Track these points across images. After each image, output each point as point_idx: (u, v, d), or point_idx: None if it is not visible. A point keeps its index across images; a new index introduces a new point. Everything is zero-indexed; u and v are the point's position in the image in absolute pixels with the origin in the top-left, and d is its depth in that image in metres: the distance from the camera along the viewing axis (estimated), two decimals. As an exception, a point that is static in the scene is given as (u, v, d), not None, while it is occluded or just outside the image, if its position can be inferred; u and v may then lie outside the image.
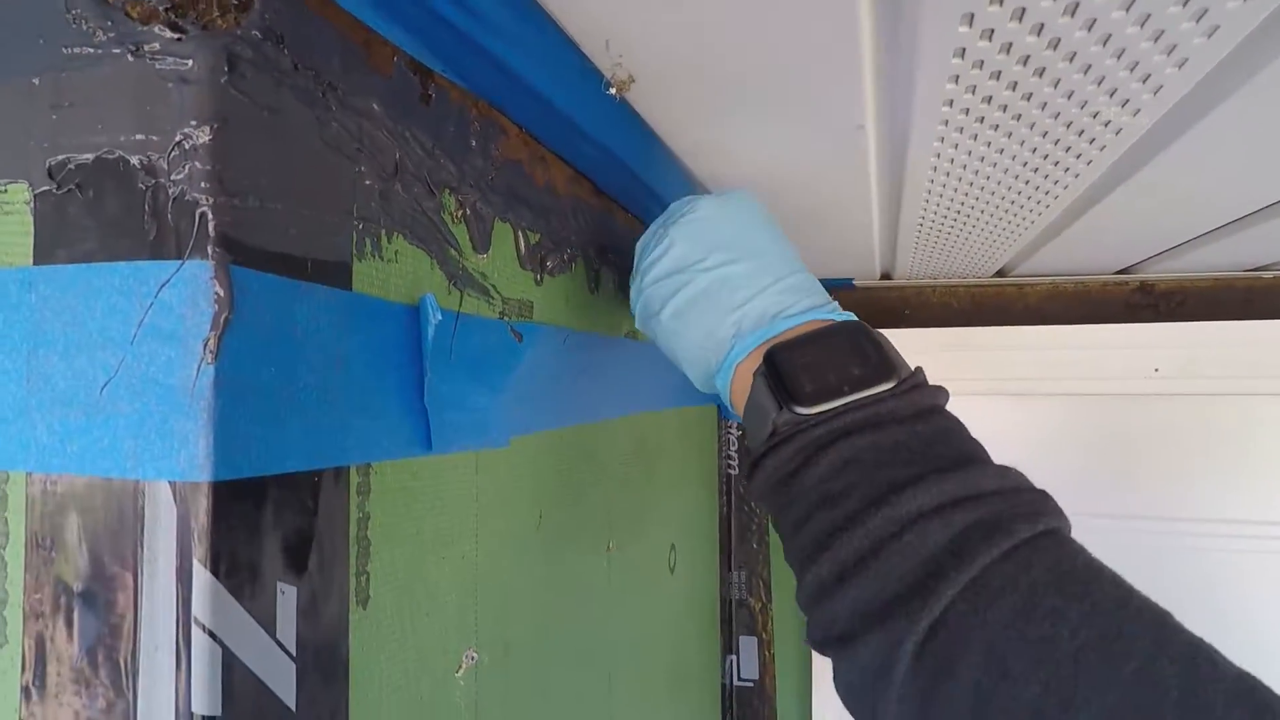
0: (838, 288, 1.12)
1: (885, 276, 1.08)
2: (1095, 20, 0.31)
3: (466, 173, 0.40)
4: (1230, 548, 0.97)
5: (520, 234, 0.46)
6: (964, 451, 0.35)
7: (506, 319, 0.44)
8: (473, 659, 0.40)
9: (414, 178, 0.35)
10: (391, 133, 0.34)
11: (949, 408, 0.38)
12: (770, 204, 0.68)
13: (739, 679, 1.16)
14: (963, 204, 0.62)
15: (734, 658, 1.16)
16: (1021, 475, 0.35)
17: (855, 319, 0.41)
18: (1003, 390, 1.05)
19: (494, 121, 0.43)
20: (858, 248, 0.85)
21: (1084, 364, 1.01)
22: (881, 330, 1.16)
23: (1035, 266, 0.98)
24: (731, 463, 1.17)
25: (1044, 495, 0.34)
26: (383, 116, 0.33)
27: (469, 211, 0.40)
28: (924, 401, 0.36)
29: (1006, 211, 0.65)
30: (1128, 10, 0.30)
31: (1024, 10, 0.30)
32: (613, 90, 0.39)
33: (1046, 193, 0.58)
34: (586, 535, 0.57)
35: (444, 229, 0.38)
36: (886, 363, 0.37)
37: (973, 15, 0.30)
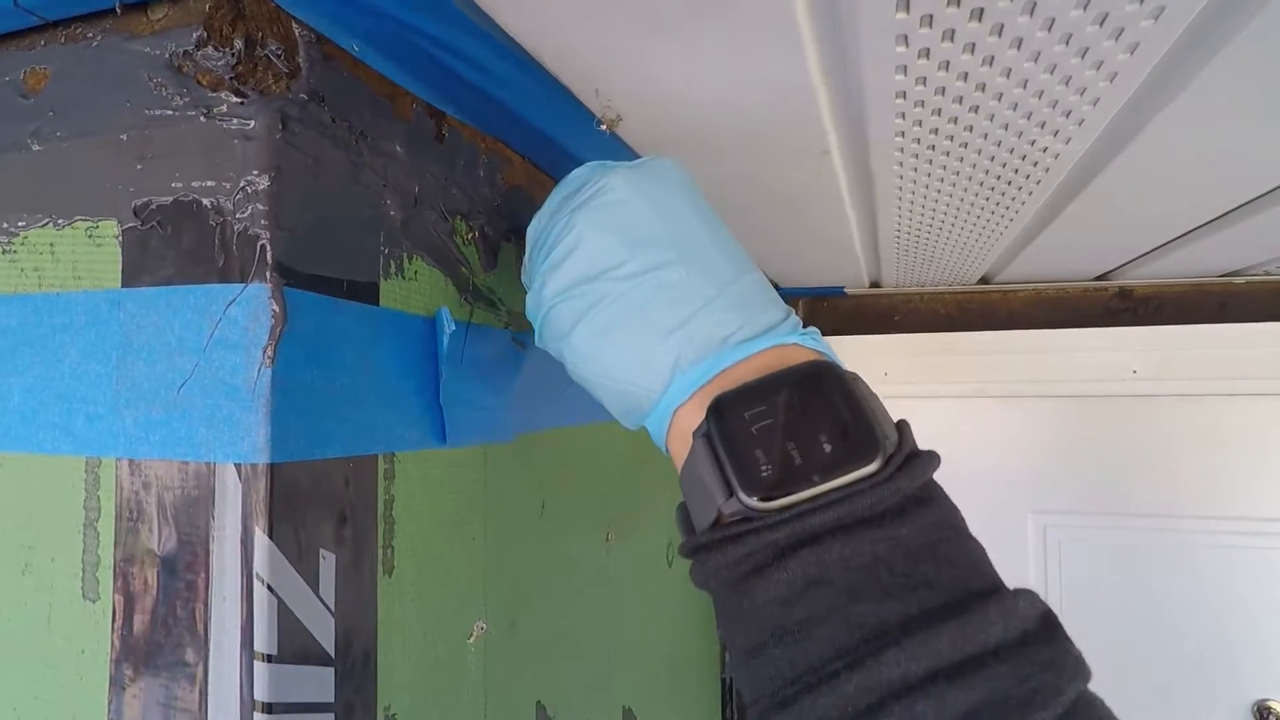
0: (830, 295, 1.17)
1: (875, 284, 1.13)
2: (1022, 39, 0.35)
3: (476, 200, 0.46)
4: (1204, 542, 1.01)
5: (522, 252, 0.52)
6: (960, 576, 0.27)
7: (511, 328, 0.50)
8: (482, 629, 0.45)
9: (431, 207, 0.41)
10: (411, 169, 0.39)
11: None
12: (756, 223, 0.73)
13: (738, 672, 1.20)
14: (934, 214, 0.67)
15: (733, 651, 1.20)
16: (1033, 605, 0.26)
17: (825, 356, 0.33)
18: (988, 393, 1.09)
19: (499, 153, 0.49)
20: (846, 259, 0.91)
21: (1066, 366, 1.06)
22: (872, 336, 1.19)
23: (1018, 273, 1.03)
24: (730, 464, 1.22)
25: (1063, 647, 0.26)
26: (404, 156, 0.39)
27: (478, 234, 0.46)
28: (911, 487, 0.28)
29: (976, 220, 0.70)
30: (1049, 30, 0.35)
31: (954, 31, 0.35)
32: (603, 127, 0.45)
33: (1013, 199, 0.63)
34: (586, 525, 0.62)
35: (456, 250, 0.43)
36: (867, 432, 0.28)
37: (906, 35, 0.35)
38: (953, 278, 1.05)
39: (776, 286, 1.13)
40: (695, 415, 0.31)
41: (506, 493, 0.49)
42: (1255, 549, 1.00)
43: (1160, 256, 0.91)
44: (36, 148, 0.34)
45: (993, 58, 0.36)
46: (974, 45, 0.34)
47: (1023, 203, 0.62)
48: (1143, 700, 1.04)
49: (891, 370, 1.12)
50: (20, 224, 0.34)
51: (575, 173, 0.36)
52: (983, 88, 0.39)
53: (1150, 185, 0.59)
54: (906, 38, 0.34)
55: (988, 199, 0.63)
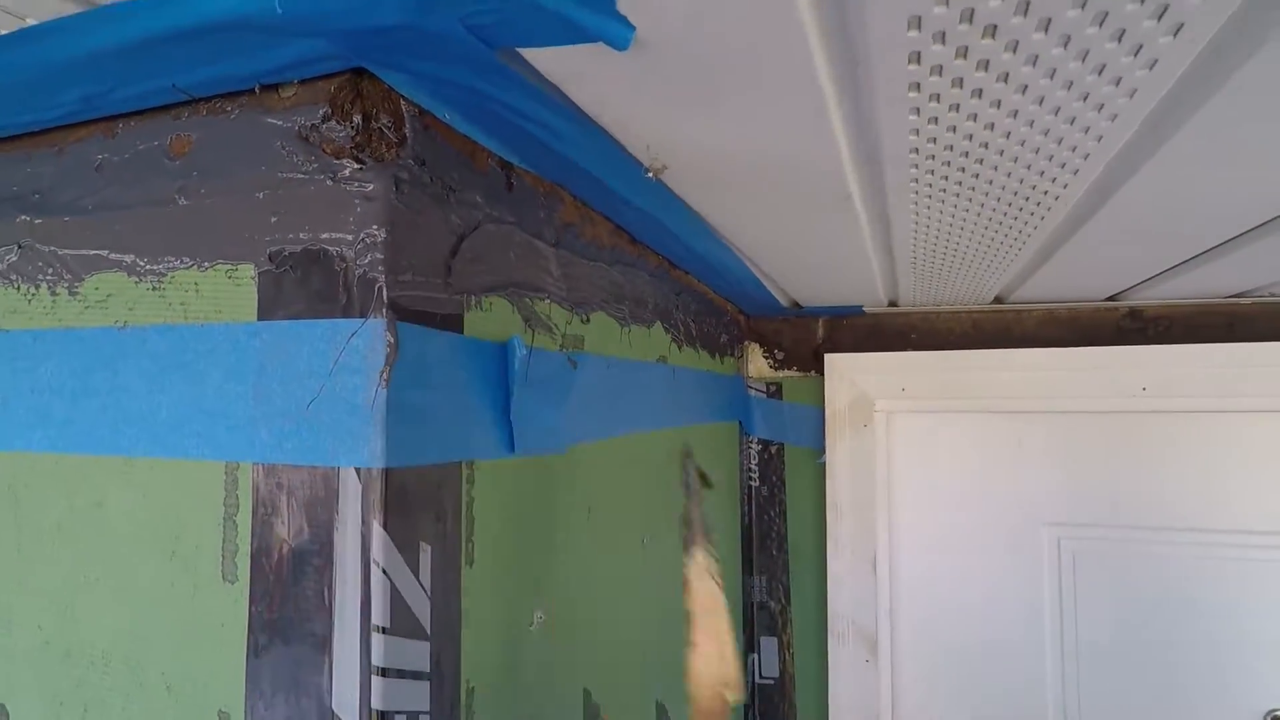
0: (849, 314, 1.22)
1: (892, 303, 1.18)
2: (1026, 86, 0.41)
3: (537, 238, 0.52)
4: (1216, 555, 1.04)
5: (575, 282, 0.58)
6: None
7: (565, 350, 0.56)
8: (541, 618, 0.51)
9: (503, 245, 0.47)
10: (488, 215, 0.46)
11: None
12: (782, 251, 0.79)
13: (761, 676, 1.25)
14: (948, 244, 0.73)
15: (755, 656, 1.25)
16: None
17: None
18: (1003, 408, 1.14)
19: (556, 195, 0.55)
20: (864, 281, 0.96)
21: (1078, 384, 1.10)
22: (891, 353, 1.24)
23: (1031, 293, 1.07)
24: (753, 475, 1.27)
25: None
26: (483, 204, 0.45)
27: (542, 268, 0.52)
28: None
29: (988, 248, 0.75)
30: (1051, 78, 0.40)
31: (961, 80, 0.40)
32: (650, 174, 0.51)
33: (1023, 227, 0.67)
34: (626, 528, 0.68)
35: (521, 284, 0.50)
36: None
37: (918, 84, 0.40)
38: (968, 297, 1.10)
39: (799, 306, 1.19)
40: None
41: (560, 498, 0.55)
42: (1266, 561, 1.04)
43: (1170, 278, 0.95)
44: (183, 202, 0.41)
45: (999, 100, 0.41)
46: (981, 90, 0.39)
47: (1032, 230, 0.67)
48: (1155, 710, 1.07)
49: (909, 386, 1.17)
50: (169, 266, 0.41)
51: None
52: (991, 127, 0.44)
53: (1157, 214, 0.64)
54: (919, 85, 0.39)
55: (998, 229, 0.68)
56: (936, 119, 0.41)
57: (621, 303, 0.68)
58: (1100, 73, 0.37)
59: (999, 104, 0.40)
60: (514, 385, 0.46)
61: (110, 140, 0.43)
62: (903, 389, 1.18)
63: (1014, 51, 0.35)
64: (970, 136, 0.43)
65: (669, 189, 0.57)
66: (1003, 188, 0.54)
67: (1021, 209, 0.62)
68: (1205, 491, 1.05)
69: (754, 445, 1.27)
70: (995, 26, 0.32)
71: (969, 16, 0.31)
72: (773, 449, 1.26)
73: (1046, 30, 0.32)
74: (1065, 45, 0.34)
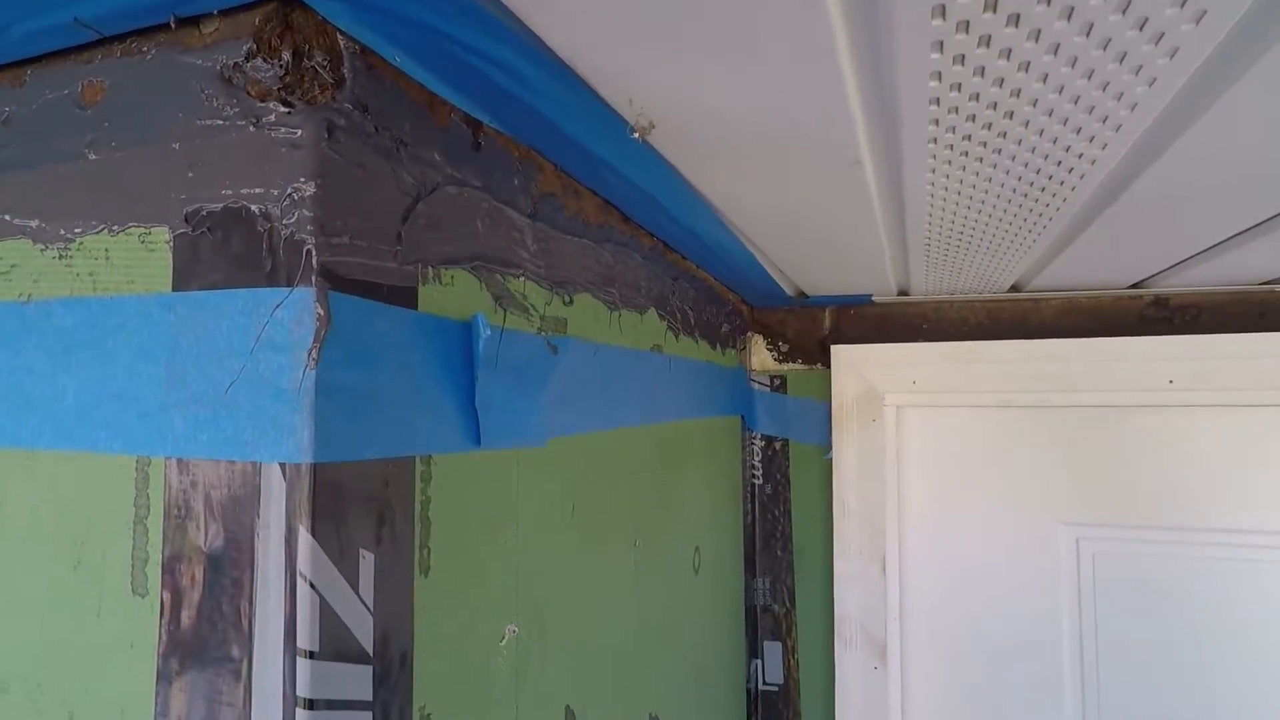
0: (857, 304, 1.16)
1: (903, 292, 1.12)
2: (1058, 45, 0.35)
3: (513, 206, 0.46)
4: (1242, 557, 0.98)
5: (555, 259, 0.52)
6: None
7: (544, 334, 0.50)
8: (514, 631, 0.45)
9: (467, 212, 0.42)
10: (449, 177, 0.40)
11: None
12: (789, 233, 0.73)
13: (764, 683, 1.20)
14: (964, 221, 0.67)
15: (759, 662, 1.20)
16: None
17: None
18: (1019, 402, 1.08)
19: (533, 161, 0.50)
20: (873, 267, 0.90)
21: (1100, 376, 1.04)
22: (901, 344, 1.19)
23: (1049, 281, 1.01)
24: (756, 473, 1.21)
25: None
26: (442, 164, 0.40)
27: (517, 240, 0.46)
28: None
29: (1008, 228, 0.69)
30: (1087, 35, 0.34)
31: (989, 37, 0.35)
32: (636, 134, 0.45)
33: (1046, 205, 0.62)
34: (615, 529, 0.63)
35: (491, 257, 0.44)
36: None
37: (942, 42, 0.34)
38: (982, 286, 1.04)
39: (804, 295, 1.13)
40: None
41: (538, 496, 0.49)
42: (1299, 565, 0.98)
43: (1198, 264, 0.89)
44: (93, 157, 0.35)
45: (1028, 63, 0.36)
46: (1010, 50, 0.34)
47: (1057, 209, 0.61)
48: (1179, 712, 1.01)
49: (920, 379, 1.11)
50: (77, 230, 0.36)
51: None
52: (1018, 93, 0.38)
53: (1188, 192, 0.58)
54: (942, 44, 0.34)
55: (1020, 206, 0.62)
56: (963, 57, 0.35)
57: (611, 285, 0.63)
58: (1141, 28, 0.32)
59: (1028, 66, 0.34)
60: (479, 369, 0.41)
61: (18, 90, 0.38)
62: (913, 382, 1.12)
63: (1048, 4, 0.29)
64: (994, 104, 0.38)
65: (661, 157, 0.51)
66: (1026, 162, 0.49)
67: (1046, 186, 0.56)
68: (1236, 490, 0.99)
69: (757, 441, 1.21)
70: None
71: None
72: (777, 445, 1.20)
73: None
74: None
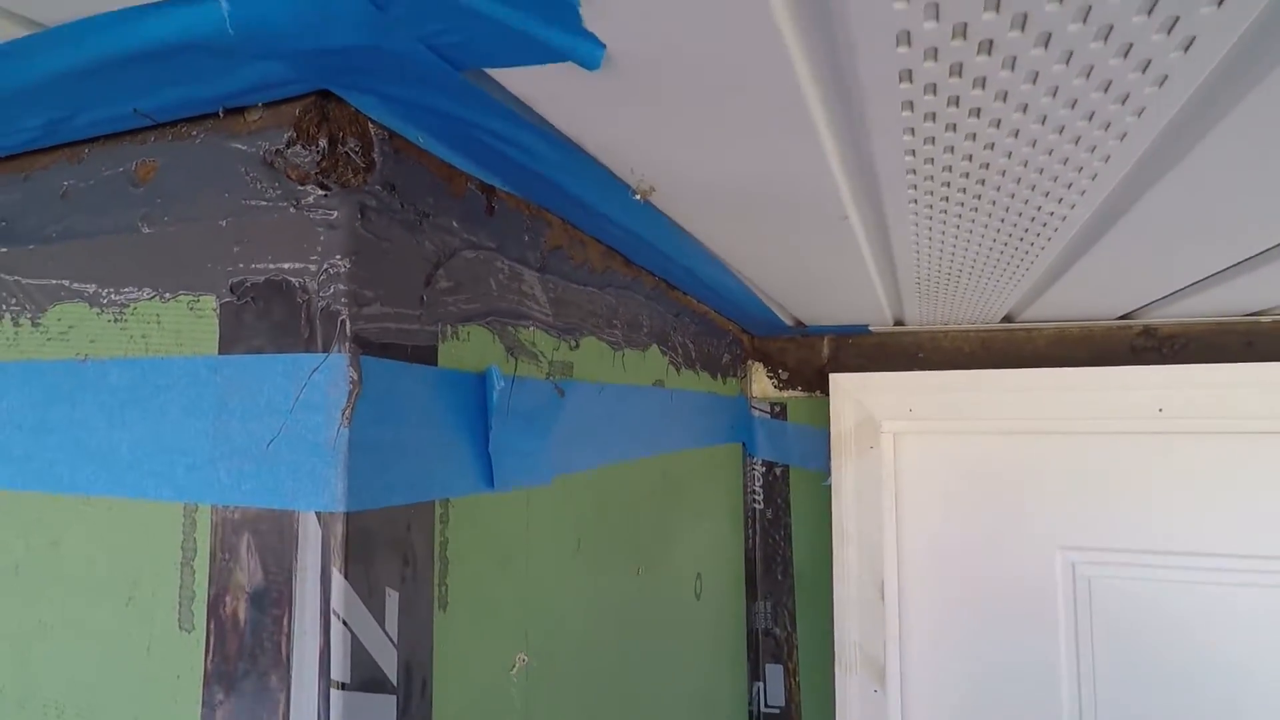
0: (854, 333, 1.19)
1: (899, 322, 1.15)
2: (1027, 105, 0.39)
3: (524, 261, 0.50)
4: (1234, 581, 1.00)
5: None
6: None
7: (552, 378, 0.54)
8: (524, 661, 0.48)
9: (482, 272, 0.45)
10: (465, 241, 0.44)
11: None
12: (785, 275, 0.77)
13: (766, 706, 1.21)
14: (951, 264, 0.70)
15: (760, 685, 1.22)
16: None
17: None
18: (1013, 430, 1.11)
19: (541, 218, 0.53)
20: (868, 301, 0.93)
21: (1092, 404, 1.07)
22: (897, 373, 1.21)
23: (1041, 312, 1.05)
24: (757, 498, 1.24)
25: None
26: (460, 230, 0.43)
27: (523, 294, 0.50)
28: None
29: (994, 268, 0.73)
30: (1054, 96, 0.38)
31: (956, 97, 0.38)
32: (637, 196, 0.49)
33: (1028, 250, 0.65)
34: (617, 559, 0.66)
35: (503, 311, 0.48)
36: None
37: (911, 102, 0.37)
38: (976, 316, 1.07)
39: (803, 325, 1.17)
40: None
41: (545, 532, 0.52)
42: (1290, 589, 1.00)
43: (1185, 297, 0.92)
44: (146, 230, 0.39)
45: (999, 120, 0.39)
46: (979, 110, 0.37)
47: (1040, 249, 0.65)
48: (1178, 743, 1.03)
49: (916, 407, 1.14)
50: (131, 296, 0.39)
51: None
52: (991, 147, 0.42)
53: (1169, 234, 0.61)
54: (912, 104, 0.37)
55: (1004, 249, 0.65)
56: (933, 139, 0.39)
57: (614, 327, 0.66)
58: (1106, 90, 0.35)
59: (999, 123, 0.37)
60: (493, 418, 0.44)
61: (76, 166, 0.42)
62: (910, 409, 1.15)
63: (1012, 69, 0.33)
64: (969, 156, 0.41)
65: (661, 212, 0.55)
66: (1006, 208, 0.52)
67: (1028, 230, 0.60)
68: (1227, 516, 1.01)
69: (758, 467, 1.24)
70: (991, 42, 0.30)
71: (961, 32, 0.29)
72: (777, 471, 1.23)
73: (1047, 46, 0.30)
74: (1067, 62, 0.32)
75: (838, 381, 1.17)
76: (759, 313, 1.02)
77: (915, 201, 0.50)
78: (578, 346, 0.58)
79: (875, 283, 0.78)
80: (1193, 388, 1.02)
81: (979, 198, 0.49)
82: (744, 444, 1.20)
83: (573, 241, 0.58)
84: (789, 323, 1.14)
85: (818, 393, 1.21)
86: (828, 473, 1.19)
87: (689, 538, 0.88)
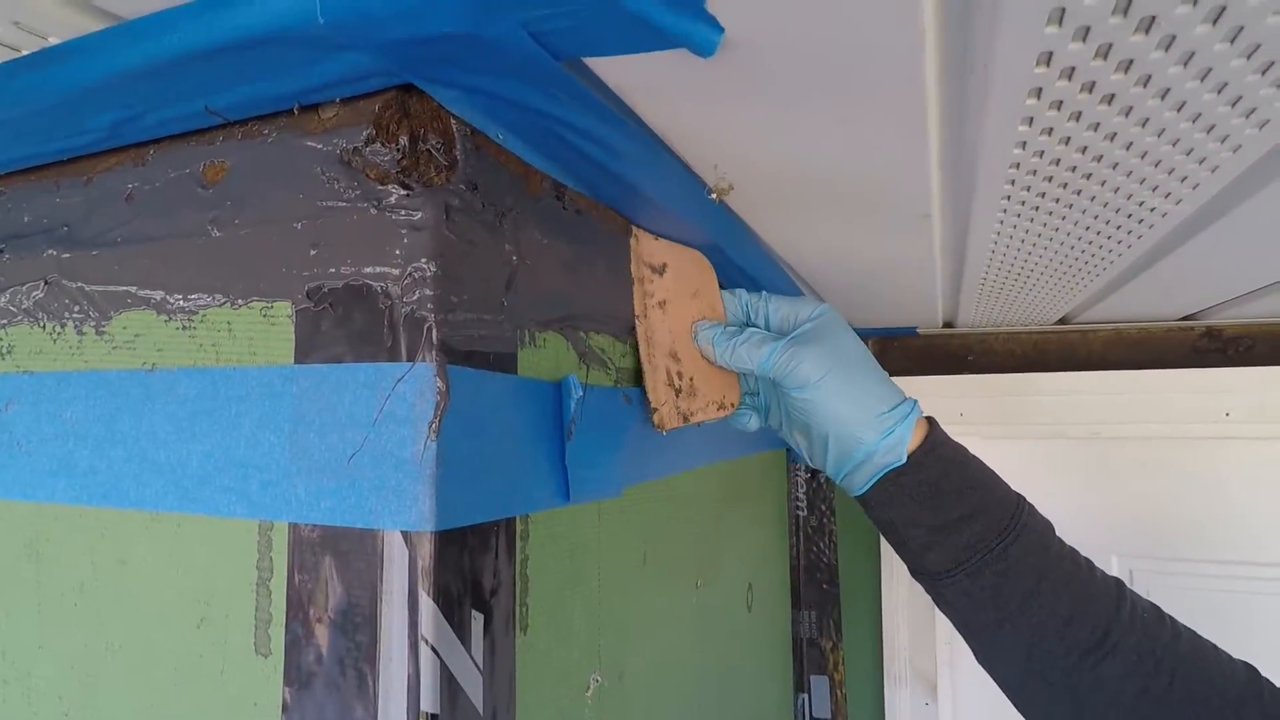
0: (901, 335, 1.16)
1: (948, 324, 1.12)
2: (1148, 119, 0.36)
3: (590, 265, 0.48)
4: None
5: (629, 312, 0.54)
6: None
7: (618, 385, 0.52)
8: (597, 680, 0.46)
9: (558, 275, 0.43)
10: (540, 243, 0.42)
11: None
12: (842, 276, 0.74)
13: (812, 718, 1.18)
14: (1023, 267, 0.67)
15: (805, 697, 1.19)
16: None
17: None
18: (1069, 434, 1.07)
19: (608, 218, 0.51)
20: (922, 302, 0.91)
21: (1154, 408, 1.03)
22: (948, 377, 1.17)
23: (1098, 314, 1.01)
24: (799, 505, 1.21)
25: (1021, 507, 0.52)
26: (536, 231, 0.41)
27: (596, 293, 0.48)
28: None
29: (1065, 273, 0.70)
30: (1179, 110, 0.35)
31: (1080, 113, 0.36)
32: (714, 195, 0.46)
33: (1109, 252, 0.62)
34: (679, 573, 0.63)
35: (576, 315, 0.46)
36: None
37: (1032, 118, 0.36)
38: (1030, 318, 1.04)
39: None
40: (921, 428, 0.53)
41: (615, 546, 0.50)
42: (1367, 602, 0.95)
43: (1257, 298, 0.88)
44: (216, 234, 0.38)
45: (1114, 134, 0.37)
46: (1098, 124, 0.35)
47: (1118, 256, 0.62)
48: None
49: (967, 411, 1.11)
50: (200, 303, 0.38)
51: (808, 303, 0.56)
52: (1099, 159, 0.39)
53: (1257, 240, 0.58)
54: (1032, 119, 0.35)
55: (1082, 253, 0.63)
56: (1050, 129, 0.36)
57: (674, 331, 0.64)
58: (1235, 104, 0.32)
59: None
60: (570, 428, 0.42)
61: (140, 168, 0.40)
62: (960, 414, 1.11)
63: (1144, 85, 0.30)
64: (1084, 148, 0.39)
65: (732, 212, 0.52)
66: (1104, 204, 0.49)
67: (1112, 235, 0.57)
68: (1300, 526, 0.97)
69: (801, 473, 1.21)
70: (1155, 19, 0.27)
71: (1123, 8, 0.26)
72: (821, 477, 1.20)
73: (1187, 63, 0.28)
74: (1203, 78, 0.29)
75: (884, 385, 1.14)
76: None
77: (1008, 198, 0.47)
78: (642, 352, 0.56)
79: (937, 283, 0.75)
80: (1264, 391, 0.98)
81: (1078, 193, 0.46)
82: (787, 450, 1.17)
83: (625, 234, 0.56)
84: (834, 325, 1.11)
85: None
86: (874, 479, 1.16)
87: (742, 548, 0.86)
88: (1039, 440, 1.09)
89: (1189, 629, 0.48)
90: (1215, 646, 0.47)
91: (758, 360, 0.52)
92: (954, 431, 1.12)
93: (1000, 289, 0.78)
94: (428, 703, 0.31)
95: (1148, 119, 0.34)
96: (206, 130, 0.39)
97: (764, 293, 0.58)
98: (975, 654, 0.52)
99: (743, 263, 0.67)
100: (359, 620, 0.32)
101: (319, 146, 0.35)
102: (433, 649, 0.31)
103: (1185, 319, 1.04)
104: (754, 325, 0.57)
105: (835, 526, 1.20)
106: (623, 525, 0.52)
